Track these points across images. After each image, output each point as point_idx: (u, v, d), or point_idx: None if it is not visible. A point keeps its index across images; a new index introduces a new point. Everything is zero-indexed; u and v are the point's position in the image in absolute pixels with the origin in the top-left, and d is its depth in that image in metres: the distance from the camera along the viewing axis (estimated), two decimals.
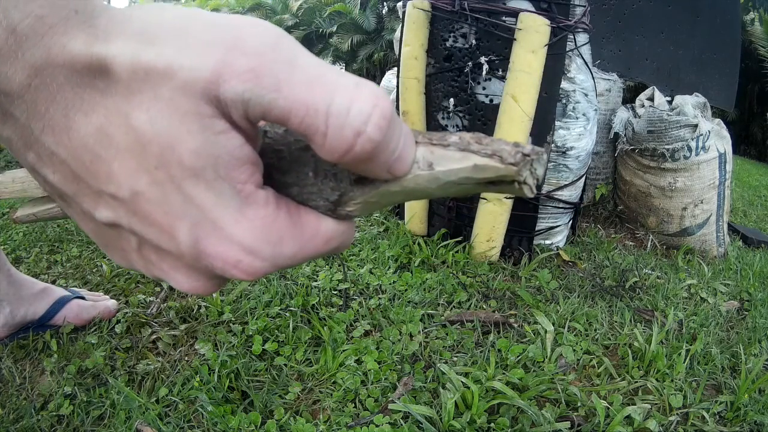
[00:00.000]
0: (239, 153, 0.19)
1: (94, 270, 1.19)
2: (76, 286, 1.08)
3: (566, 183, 1.41)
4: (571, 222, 1.55)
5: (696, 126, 1.56)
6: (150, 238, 0.20)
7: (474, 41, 1.26)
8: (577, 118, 1.35)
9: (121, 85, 0.18)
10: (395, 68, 1.69)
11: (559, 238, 1.50)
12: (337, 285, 1.13)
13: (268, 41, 0.18)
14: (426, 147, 0.19)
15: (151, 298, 1.06)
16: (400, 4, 1.61)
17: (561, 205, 1.43)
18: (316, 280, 1.15)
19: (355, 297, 1.10)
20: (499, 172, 0.18)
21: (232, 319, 0.99)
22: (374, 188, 0.20)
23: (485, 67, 1.25)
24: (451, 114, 1.33)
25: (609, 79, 1.88)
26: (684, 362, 0.96)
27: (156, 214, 0.19)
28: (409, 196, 0.20)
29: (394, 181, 0.19)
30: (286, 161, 0.21)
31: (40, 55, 0.18)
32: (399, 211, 1.60)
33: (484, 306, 1.13)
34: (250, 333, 0.94)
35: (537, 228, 1.40)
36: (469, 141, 0.19)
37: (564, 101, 1.33)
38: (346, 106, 0.17)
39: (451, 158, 0.19)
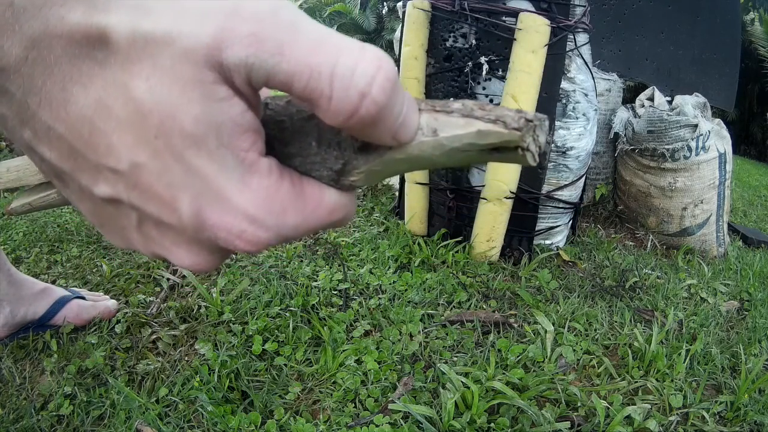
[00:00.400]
0: (242, 120, 0.18)
1: (94, 270, 1.19)
2: (76, 286, 1.08)
3: (566, 183, 1.41)
4: (571, 222, 1.55)
5: (696, 126, 1.56)
6: (150, 212, 0.20)
7: (474, 41, 1.26)
8: (577, 118, 1.35)
9: (120, 55, 0.17)
10: None
11: (559, 238, 1.50)
12: (337, 285, 1.13)
13: (267, 7, 0.18)
14: (429, 114, 0.19)
15: (151, 298, 1.06)
16: (400, 4, 1.61)
17: (561, 205, 1.43)
18: (316, 280, 1.15)
19: (355, 297, 1.10)
20: (503, 138, 0.18)
21: (232, 319, 0.99)
22: (378, 156, 0.20)
23: (485, 67, 1.25)
24: None
25: (609, 79, 1.88)
26: (684, 362, 0.96)
27: (157, 186, 0.19)
28: (413, 164, 0.20)
29: (399, 148, 0.19)
30: (288, 132, 0.21)
31: (37, 26, 0.17)
32: (399, 211, 1.60)
33: (484, 306, 1.13)
34: (250, 333, 0.94)
35: (537, 228, 1.40)
36: (473, 107, 0.19)
37: (564, 101, 1.33)
38: (351, 68, 0.17)
39: (455, 124, 0.19)
